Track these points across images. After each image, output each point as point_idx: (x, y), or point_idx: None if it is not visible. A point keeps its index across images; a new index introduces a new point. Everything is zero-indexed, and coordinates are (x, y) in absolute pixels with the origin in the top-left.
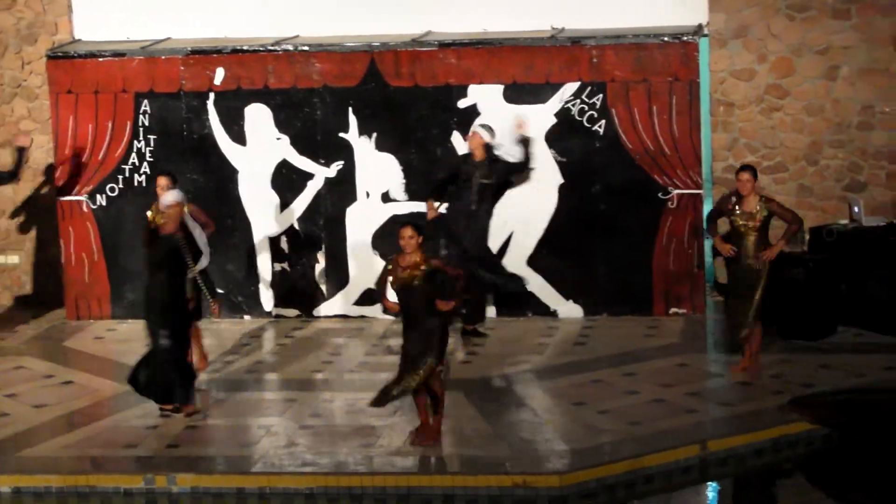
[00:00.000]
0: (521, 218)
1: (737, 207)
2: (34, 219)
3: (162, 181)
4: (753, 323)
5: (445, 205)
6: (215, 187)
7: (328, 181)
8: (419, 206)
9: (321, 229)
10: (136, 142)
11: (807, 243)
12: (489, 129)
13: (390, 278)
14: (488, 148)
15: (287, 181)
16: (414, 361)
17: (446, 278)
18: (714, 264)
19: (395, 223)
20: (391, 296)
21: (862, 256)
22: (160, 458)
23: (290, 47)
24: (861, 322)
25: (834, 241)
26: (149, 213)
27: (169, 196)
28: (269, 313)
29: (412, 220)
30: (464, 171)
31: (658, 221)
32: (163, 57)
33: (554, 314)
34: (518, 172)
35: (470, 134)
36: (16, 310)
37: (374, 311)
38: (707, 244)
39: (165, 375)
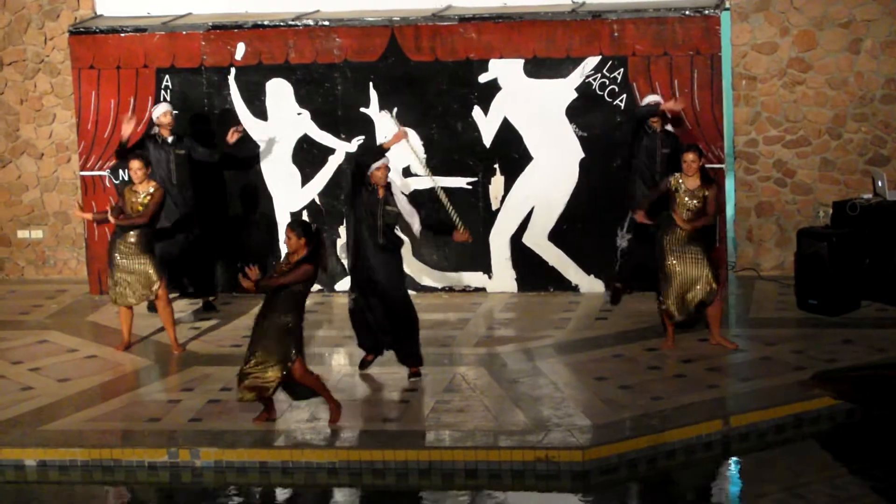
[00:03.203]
0: (543, 193)
1: (682, 185)
2: (57, 194)
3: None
4: (717, 295)
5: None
6: (237, 162)
7: (349, 156)
8: (441, 181)
9: (342, 204)
10: None
11: (829, 218)
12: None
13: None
14: (664, 120)
15: (308, 156)
16: None
17: None
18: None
19: (416, 197)
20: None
21: (885, 231)
22: (184, 431)
23: (311, 22)
24: (884, 297)
25: (857, 215)
26: None
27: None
28: None
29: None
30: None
31: None
32: (184, 32)
33: (575, 289)
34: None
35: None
36: (39, 284)
37: None
38: (729, 222)
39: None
